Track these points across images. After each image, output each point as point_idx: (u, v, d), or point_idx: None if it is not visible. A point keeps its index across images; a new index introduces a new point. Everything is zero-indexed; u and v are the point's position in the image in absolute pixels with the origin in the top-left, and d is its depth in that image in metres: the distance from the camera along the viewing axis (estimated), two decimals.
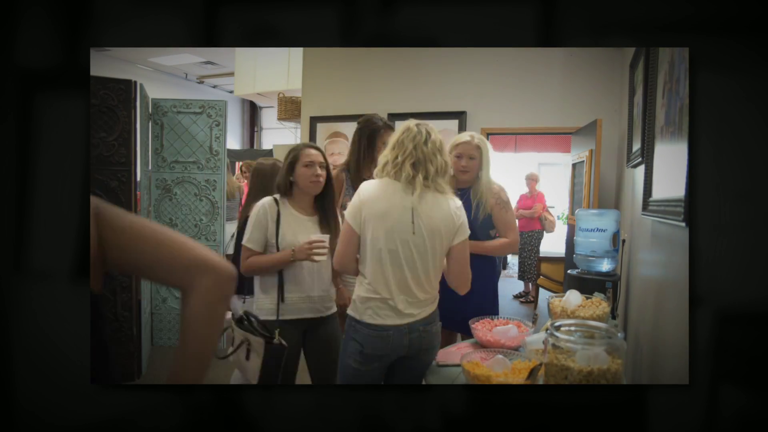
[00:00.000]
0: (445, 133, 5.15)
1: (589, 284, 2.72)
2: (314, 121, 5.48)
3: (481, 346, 2.06)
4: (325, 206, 2.29)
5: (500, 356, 1.78)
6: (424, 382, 1.94)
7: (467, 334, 2.28)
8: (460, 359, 1.78)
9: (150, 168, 4.13)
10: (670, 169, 1.64)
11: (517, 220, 2.43)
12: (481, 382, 1.65)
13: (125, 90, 3.45)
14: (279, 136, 9.92)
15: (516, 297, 6.78)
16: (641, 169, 2.33)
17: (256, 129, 11.12)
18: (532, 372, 1.62)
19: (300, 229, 2.19)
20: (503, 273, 8.07)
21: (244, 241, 2.19)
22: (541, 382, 1.60)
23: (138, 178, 3.63)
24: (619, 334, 1.51)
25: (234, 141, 10.47)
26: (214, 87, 10.01)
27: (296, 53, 6.46)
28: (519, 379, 1.64)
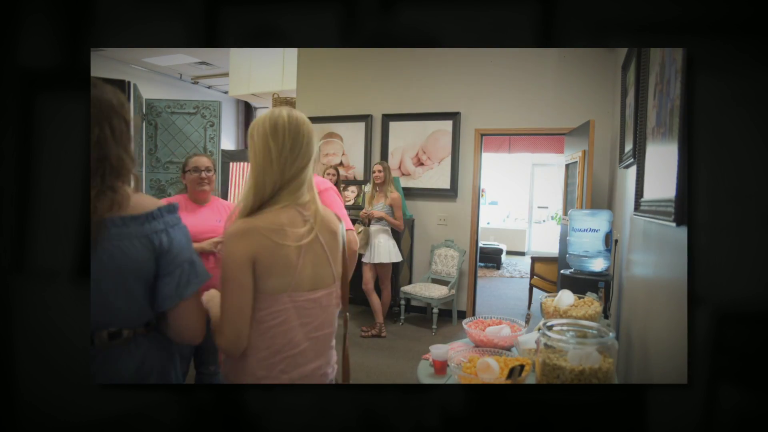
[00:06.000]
0: (440, 134, 5.18)
1: (581, 284, 2.74)
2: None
3: (474, 345, 2.08)
4: None
5: (487, 360, 1.68)
6: (423, 382, 1.94)
7: None
8: (449, 361, 1.76)
9: (144, 168, 4.12)
10: (661, 170, 1.66)
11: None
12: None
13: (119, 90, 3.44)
14: None
15: None
16: (633, 169, 2.36)
17: None
18: (512, 372, 1.58)
19: None
20: (497, 273, 8.08)
21: None
22: (531, 381, 1.61)
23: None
24: (610, 334, 1.52)
25: (228, 141, 10.43)
26: (209, 88, 9.96)
27: (291, 54, 6.44)
28: (500, 379, 1.59)
